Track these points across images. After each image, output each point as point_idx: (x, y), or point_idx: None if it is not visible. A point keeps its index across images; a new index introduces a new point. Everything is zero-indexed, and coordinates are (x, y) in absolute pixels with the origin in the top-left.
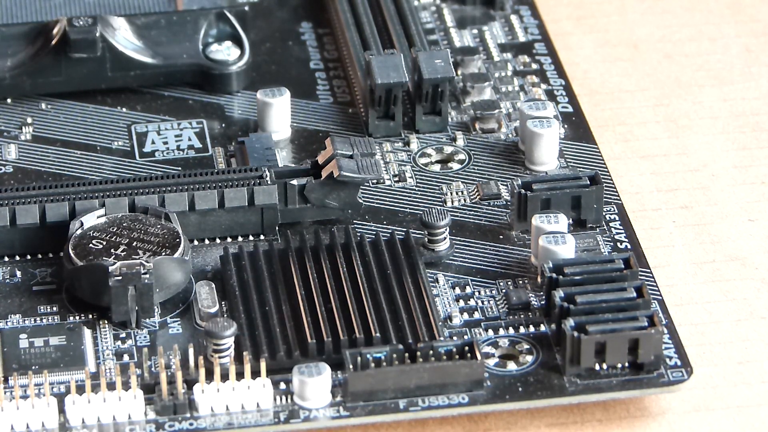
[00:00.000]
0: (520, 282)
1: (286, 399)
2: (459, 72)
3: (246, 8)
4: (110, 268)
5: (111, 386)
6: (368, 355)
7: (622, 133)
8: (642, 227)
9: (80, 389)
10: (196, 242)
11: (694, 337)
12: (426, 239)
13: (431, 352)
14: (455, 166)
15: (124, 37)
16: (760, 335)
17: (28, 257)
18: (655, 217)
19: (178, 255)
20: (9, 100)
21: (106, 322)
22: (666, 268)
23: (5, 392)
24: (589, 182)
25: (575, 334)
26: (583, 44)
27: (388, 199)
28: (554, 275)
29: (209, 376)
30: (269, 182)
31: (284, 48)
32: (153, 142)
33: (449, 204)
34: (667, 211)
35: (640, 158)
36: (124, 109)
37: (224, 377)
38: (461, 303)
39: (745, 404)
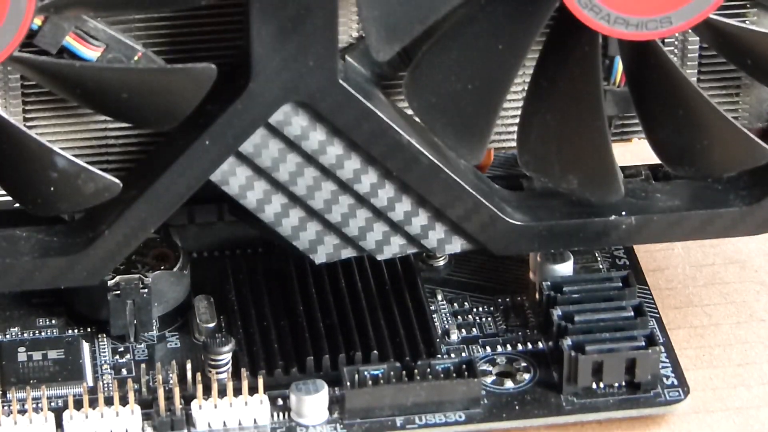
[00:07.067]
0: (518, 299)
1: (284, 415)
2: None
3: None
4: (108, 283)
5: (109, 401)
6: (366, 372)
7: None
8: None
9: (78, 404)
10: (195, 255)
11: (693, 339)
12: (425, 254)
13: (428, 369)
14: None
15: None
16: (760, 338)
17: None
18: None
19: (176, 269)
20: None
21: (104, 335)
22: (665, 270)
23: (3, 407)
24: None
25: (572, 353)
26: None
27: None
28: (552, 293)
29: (207, 392)
30: None
31: None
32: None
33: None
34: None
35: (639, 160)
36: None
37: (222, 393)
38: (459, 319)
39: (745, 406)
